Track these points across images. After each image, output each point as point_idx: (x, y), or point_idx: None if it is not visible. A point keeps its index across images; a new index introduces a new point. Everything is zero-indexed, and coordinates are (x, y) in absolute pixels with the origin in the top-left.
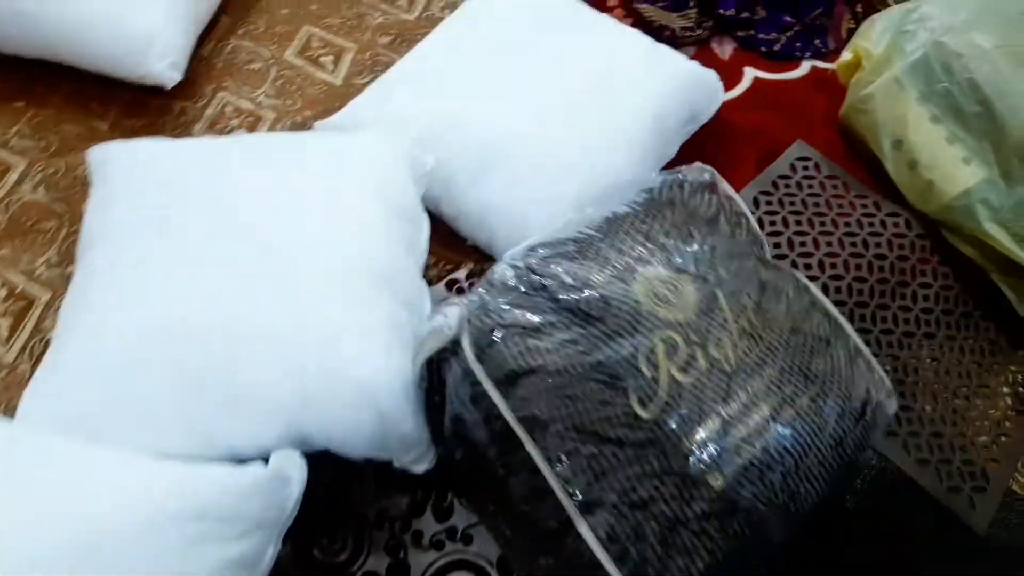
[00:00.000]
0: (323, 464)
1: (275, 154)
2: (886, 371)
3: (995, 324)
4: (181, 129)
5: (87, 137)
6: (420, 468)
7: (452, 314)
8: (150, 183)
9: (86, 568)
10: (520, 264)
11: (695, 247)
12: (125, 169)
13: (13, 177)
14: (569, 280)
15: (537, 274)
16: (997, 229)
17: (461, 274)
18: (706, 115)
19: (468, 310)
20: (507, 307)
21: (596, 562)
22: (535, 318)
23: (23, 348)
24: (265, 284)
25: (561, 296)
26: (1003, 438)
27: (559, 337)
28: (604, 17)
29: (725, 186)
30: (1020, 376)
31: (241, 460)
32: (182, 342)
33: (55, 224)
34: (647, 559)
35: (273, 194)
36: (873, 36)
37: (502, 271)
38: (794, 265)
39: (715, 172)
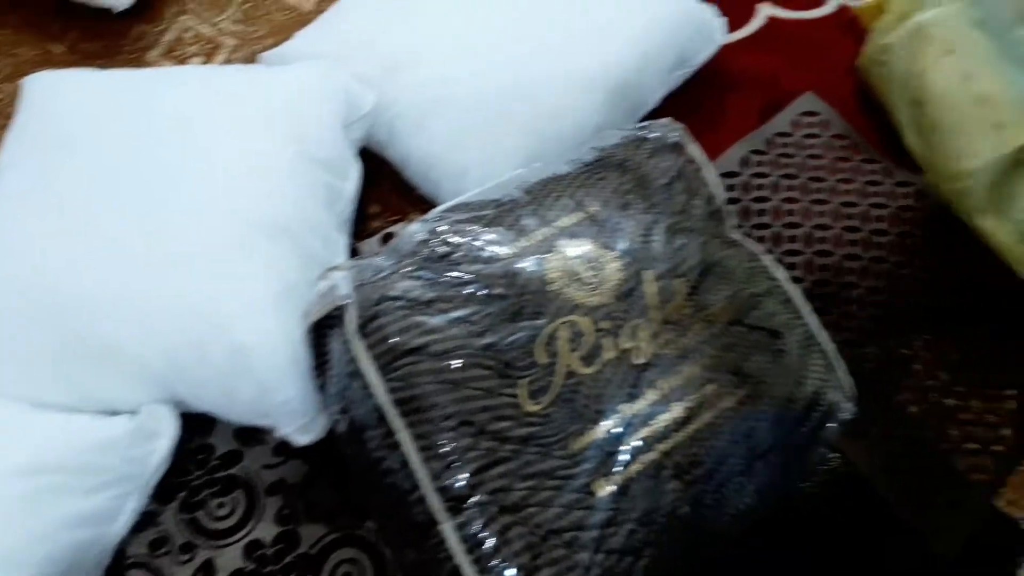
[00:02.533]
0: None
1: (194, 91)
2: (867, 363)
3: (1019, 313)
4: (137, 55)
5: (41, 61)
6: (304, 440)
7: (339, 278)
8: (57, 120)
9: None
10: (430, 228)
11: (631, 220)
12: (42, 103)
13: None
14: (475, 251)
15: (443, 241)
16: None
17: (400, 227)
18: (699, 59)
19: (359, 275)
20: (400, 276)
21: (455, 566)
22: (428, 291)
23: None
24: (146, 235)
25: (462, 268)
26: (997, 447)
27: (451, 315)
28: None
29: (693, 148)
30: None
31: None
32: (54, 294)
33: None
34: (513, 569)
35: (177, 136)
36: None
37: (411, 233)
38: (776, 238)
39: (684, 131)
